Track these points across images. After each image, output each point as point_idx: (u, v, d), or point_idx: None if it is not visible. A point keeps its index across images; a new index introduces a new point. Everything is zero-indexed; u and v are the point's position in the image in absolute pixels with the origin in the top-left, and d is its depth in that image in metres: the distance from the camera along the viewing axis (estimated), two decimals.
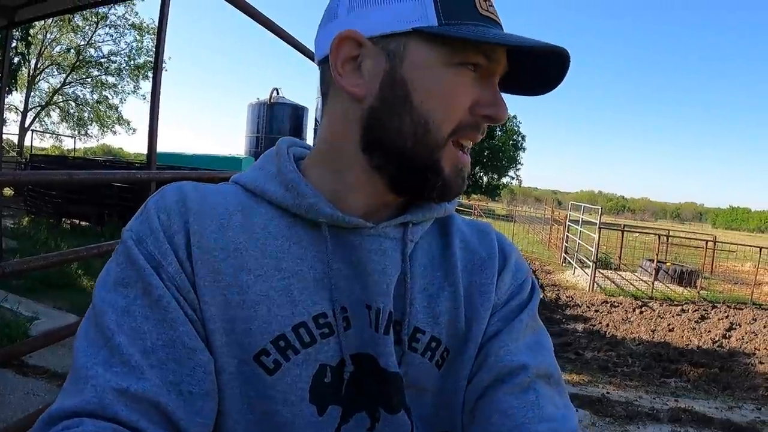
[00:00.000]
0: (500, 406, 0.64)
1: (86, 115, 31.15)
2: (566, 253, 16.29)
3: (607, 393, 5.10)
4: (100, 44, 28.48)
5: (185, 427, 0.56)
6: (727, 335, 8.85)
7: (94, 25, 27.23)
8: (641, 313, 10.02)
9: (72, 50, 27.64)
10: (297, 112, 15.39)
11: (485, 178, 43.61)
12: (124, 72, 29.47)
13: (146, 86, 30.17)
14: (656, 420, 4.41)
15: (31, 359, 3.75)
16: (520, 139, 44.04)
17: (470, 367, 0.70)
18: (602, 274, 13.09)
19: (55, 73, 28.96)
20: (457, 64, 0.62)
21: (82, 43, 27.75)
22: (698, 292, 11.92)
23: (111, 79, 29.91)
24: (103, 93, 30.44)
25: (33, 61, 26.77)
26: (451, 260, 0.72)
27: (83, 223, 11.25)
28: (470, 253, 0.75)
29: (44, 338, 2.29)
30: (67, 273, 6.81)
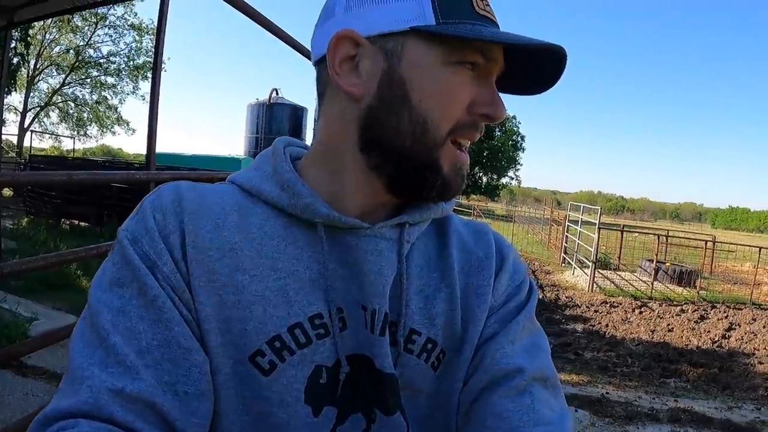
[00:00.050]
0: (495, 409, 0.64)
1: (85, 115, 31.12)
2: (566, 253, 16.29)
3: (607, 393, 5.10)
4: (99, 45, 28.46)
5: (181, 427, 0.56)
6: (726, 335, 8.85)
7: (94, 26, 27.21)
8: (641, 313, 10.02)
9: (71, 51, 27.62)
10: (296, 113, 15.39)
11: (484, 179, 43.60)
12: (123, 72, 29.45)
13: (145, 87, 30.16)
14: (656, 420, 4.41)
15: (30, 360, 3.75)
16: (519, 139, 44.05)
17: (466, 369, 0.69)
18: (602, 274, 13.09)
19: (55, 73, 28.94)
20: (455, 63, 0.62)
21: (82, 43, 27.73)
22: (698, 293, 11.91)
23: (110, 80, 29.89)
24: (103, 93, 30.41)
25: (32, 62, 26.76)
26: (447, 261, 0.72)
27: (82, 223, 11.24)
28: (467, 253, 0.74)
29: (43, 339, 2.29)
30: (66, 274, 6.81)
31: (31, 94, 28.40)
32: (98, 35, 27.96)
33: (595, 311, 9.96)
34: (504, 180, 45.74)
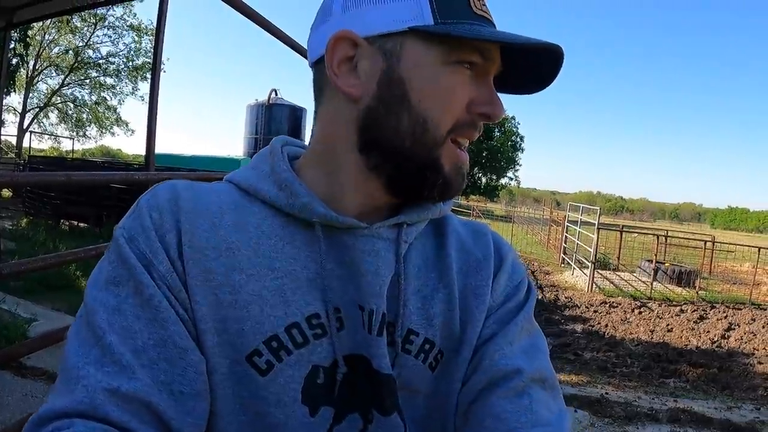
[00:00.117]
0: (493, 410, 0.63)
1: (84, 116, 31.17)
2: (565, 253, 16.29)
3: (606, 393, 5.10)
4: (98, 45, 28.53)
5: (177, 427, 0.56)
6: (725, 335, 8.86)
7: (93, 27, 27.26)
8: (640, 313, 10.03)
9: (70, 51, 27.65)
10: (295, 113, 15.39)
11: (484, 179, 43.62)
12: (122, 73, 29.52)
13: (144, 87, 30.23)
14: (655, 420, 4.41)
15: (29, 360, 3.74)
16: (518, 140, 44.08)
17: (464, 369, 0.69)
18: (601, 274, 13.09)
19: (54, 74, 29.00)
20: (454, 62, 0.63)
21: (81, 44, 27.77)
22: (697, 293, 11.92)
23: (109, 81, 29.98)
24: (102, 94, 30.49)
25: (31, 63, 26.79)
26: (445, 261, 0.72)
27: (82, 224, 11.25)
28: (465, 254, 0.74)
29: (42, 340, 2.28)
30: (65, 274, 6.82)
31: (30, 94, 28.45)
32: (97, 36, 28.04)
33: (595, 312, 9.96)
34: (503, 180, 45.78)
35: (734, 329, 9.32)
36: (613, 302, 10.73)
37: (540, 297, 10.77)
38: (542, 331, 0.75)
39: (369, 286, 0.65)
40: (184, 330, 0.60)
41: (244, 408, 0.63)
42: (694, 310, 10.48)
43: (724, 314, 10.36)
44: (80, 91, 30.36)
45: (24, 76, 26.26)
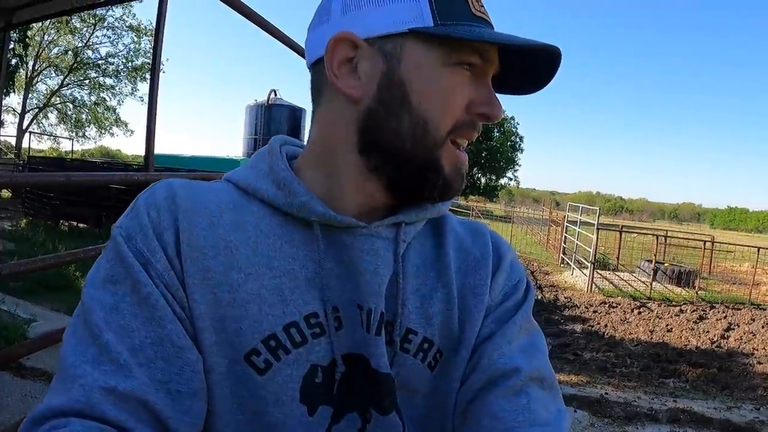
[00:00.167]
0: (491, 409, 0.63)
1: (84, 116, 31.16)
2: (564, 254, 16.29)
3: (606, 394, 5.10)
4: (97, 46, 28.53)
5: (174, 426, 0.56)
6: (725, 335, 8.86)
7: (92, 27, 27.26)
8: (639, 313, 10.03)
9: (69, 52, 27.65)
10: (295, 114, 15.40)
11: (483, 180, 43.61)
12: (121, 74, 29.52)
13: (144, 88, 30.18)
14: (655, 420, 4.41)
15: (28, 361, 3.74)
16: (517, 140, 44.06)
17: (463, 369, 0.69)
18: (600, 274, 13.10)
19: (53, 74, 29.00)
20: (454, 63, 0.63)
21: (80, 44, 27.77)
22: (696, 293, 11.92)
23: (109, 81, 29.98)
24: (101, 95, 30.48)
25: (30, 63, 26.80)
26: (444, 261, 0.72)
27: (81, 225, 11.25)
28: (464, 253, 0.74)
29: (42, 340, 2.28)
30: (64, 275, 6.81)
31: (30, 95, 28.45)
32: (97, 36, 28.04)
33: (594, 312, 9.97)
34: (502, 181, 45.76)
35: (734, 329, 9.32)
36: (612, 302, 10.74)
37: (539, 297, 10.78)
38: (542, 331, 0.75)
39: (368, 285, 0.65)
40: (181, 329, 0.60)
41: (242, 407, 0.63)
42: (694, 310, 10.48)
43: (724, 314, 10.37)
44: (79, 92, 30.39)
45: (23, 77, 26.26)
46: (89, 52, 28.46)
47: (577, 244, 14.64)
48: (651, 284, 12.06)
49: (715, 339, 8.58)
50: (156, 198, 0.64)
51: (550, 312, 9.80)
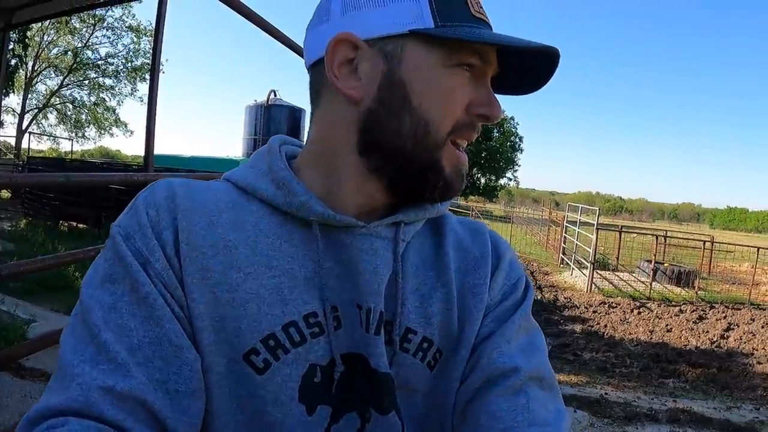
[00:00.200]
0: (490, 409, 0.63)
1: (83, 117, 31.17)
2: (564, 254, 16.29)
3: (606, 394, 5.10)
4: (97, 46, 28.55)
5: (172, 425, 0.56)
6: (725, 335, 8.86)
7: (92, 27, 27.26)
8: (639, 313, 10.03)
9: (69, 52, 27.65)
10: (294, 114, 15.40)
11: (483, 180, 43.59)
12: (121, 74, 29.54)
13: (143, 88, 30.20)
14: (655, 420, 4.41)
15: (28, 362, 3.74)
16: (517, 140, 44.04)
17: (463, 368, 0.69)
18: (600, 275, 13.10)
19: (53, 75, 29.01)
20: (454, 65, 0.63)
21: (79, 45, 27.76)
22: (696, 293, 11.93)
23: (108, 81, 29.99)
24: (101, 95, 30.48)
25: (30, 64, 26.80)
26: (443, 260, 0.72)
27: (80, 225, 11.25)
28: (463, 252, 0.74)
29: (41, 341, 2.28)
30: (64, 276, 6.81)
31: (29, 95, 28.46)
32: (96, 37, 28.05)
33: (594, 312, 9.97)
34: (502, 181, 45.72)
35: (733, 329, 9.32)
36: (612, 302, 10.74)
37: (539, 297, 10.78)
38: (541, 331, 0.75)
39: (367, 285, 0.65)
40: (179, 328, 0.60)
41: (241, 407, 0.63)
42: (694, 311, 10.48)
43: (724, 314, 10.37)
44: (79, 92, 30.40)
45: (23, 77, 26.27)
46: (89, 53, 28.50)
47: (576, 244, 14.65)
48: (650, 284, 12.06)
49: (715, 339, 8.58)
50: (155, 197, 0.64)
51: (549, 312, 9.79)
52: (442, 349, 0.70)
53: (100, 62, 28.86)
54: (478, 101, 0.65)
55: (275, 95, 15.33)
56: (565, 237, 16.50)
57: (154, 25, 2.43)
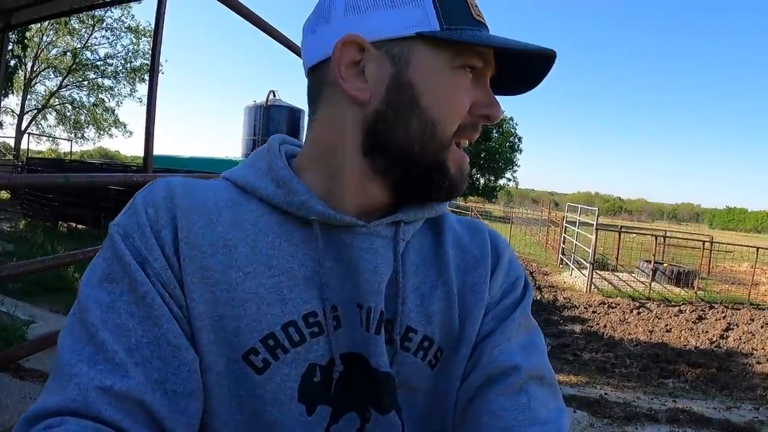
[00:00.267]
0: (491, 407, 0.64)
1: (83, 118, 31.15)
2: (563, 254, 16.29)
3: (605, 394, 5.10)
4: (96, 47, 28.53)
5: (170, 426, 0.56)
6: (724, 335, 8.87)
7: (91, 28, 27.25)
8: (639, 314, 10.03)
9: (68, 53, 27.64)
10: (293, 115, 15.37)
11: (482, 180, 43.63)
12: (120, 75, 29.52)
13: (143, 89, 30.12)
14: (654, 421, 4.41)
15: (27, 363, 3.73)
16: (516, 140, 44.12)
17: (464, 367, 0.69)
18: (599, 275, 13.10)
19: (52, 75, 28.99)
20: (458, 66, 0.64)
21: (79, 45, 27.76)
22: (695, 293, 11.93)
23: (107, 82, 29.97)
24: (100, 96, 30.46)
25: (29, 64, 26.79)
26: (443, 259, 0.72)
27: (80, 226, 11.24)
28: (463, 251, 0.74)
29: (41, 342, 2.28)
30: (63, 276, 6.80)
31: (28, 96, 28.45)
32: (95, 38, 28.03)
33: (593, 312, 9.97)
34: (501, 181, 45.80)
35: (733, 329, 9.33)
36: (611, 303, 10.74)
37: (539, 298, 10.78)
38: (541, 330, 0.75)
39: (367, 284, 0.65)
40: (178, 328, 0.59)
41: (241, 406, 0.62)
42: (693, 311, 10.49)
43: (723, 314, 10.38)
44: (78, 93, 30.38)
45: (22, 78, 26.27)
46: (88, 53, 28.48)
47: (575, 244, 14.65)
48: (650, 284, 12.07)
49: (714, 339, 8.58)
50: (154, 196, 0.64)
51: (549, 312, 9.79)
52: (443, 348, 0.70)
53: (99, 63, 28.85)
54: (480, 102, 0.66)
55: (274, 96, 15.29)
56: (564, 237, 16.50)
57: (153, 25, 2.43)
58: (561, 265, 15.79)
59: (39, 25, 22.90)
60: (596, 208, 15.30)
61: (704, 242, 14.94)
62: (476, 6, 0.66)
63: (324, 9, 0.67)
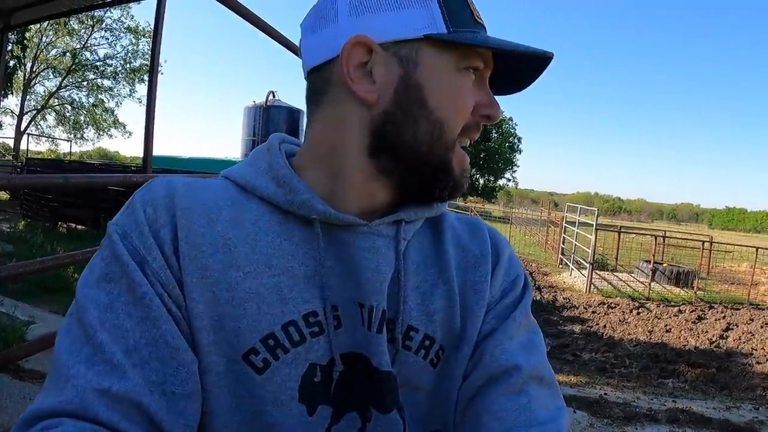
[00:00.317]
0: (492, 407, 0.64)
1: (82, 118, 31.14)
2: (563, 254, 16.30)
3: (605, 394, 5.10)
4: (95, 47, 28.53)
5: (168, 428, 0.55)
6: (724, 335, 8.87)
7: (90, 29, 27.24)
8: (638, 314, 10.03)
9: (68, 53, 27.62)
10: (293, 115, 15.36)
11: (482, 181, 43.67)
12: (119, 75, 29.50)
13: (142, 89, 30.11)
14: (654, 421, 4.41)
15: (27, 363, 3.73)
16: (516, 141, 44.17)
17: (465, 366, 0.69)
18: (599, 275, 13.10)
19: (51, 76, 28.98)
20: (463, 68, 0.65)
21: (78, 46, 27.74)
22: (695, 293, 11.93)
23: (107, 83, 29.96)
24: (99, 96, 30.45)
25: (29, 65, 26.79)
26: (444, 258, 0.72)
27: (79, 226, 11.23)
28: (463, 250, 0.74)
29: (40, 342, 2.28)
30: (63, 277, 6.79)
31: (28, 97, 28.44)
32: (95, 38, 28.02)
33: (593, 312, 9.97)
34: (501, 182, 45.87)
35: (732, 329, 9.33)
36: (611, 303, 10.73)
37: (538, 298, 10.78)
38: (540, 329, 0.75)
39: (369, 283, 0.65)
40: (176, 329, 0.59)
41: (241, 407, 0.62)
42: (693, 311, 10.49)
43: (723, 314, 10.38)
44: (77, 93, 30.37)
45: (21, 79, 26.27)
46: (87, 54, 28.46)
47: (575, 244, 14.65)
48: (649, 285, 12.08)
49: (714, 339, 8.58)
50: (153, 195, 0.64)
51: (548, 313, 9.79)
52: (444, 347, 0.69)
53: (98, 63, 28.83)
54: (482, 102, 0.67)
55: (274, 96, 15.28)
56: (564, 237, 16.51)
57: (152, 26, 2.43)
58: (560, 266, 15.79)
59: (38, 25, 22.89)
60: (596, 209, 15.30)
61: (704, 242, 14.95)
62: (477, 8, 0.67)
63: (326, 9, 0.67)
